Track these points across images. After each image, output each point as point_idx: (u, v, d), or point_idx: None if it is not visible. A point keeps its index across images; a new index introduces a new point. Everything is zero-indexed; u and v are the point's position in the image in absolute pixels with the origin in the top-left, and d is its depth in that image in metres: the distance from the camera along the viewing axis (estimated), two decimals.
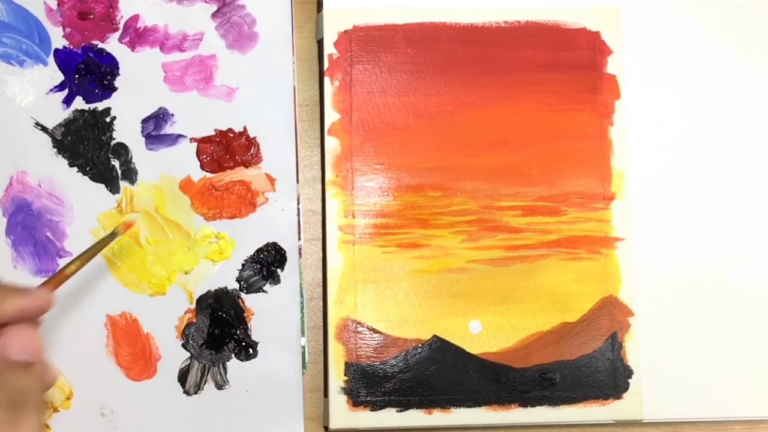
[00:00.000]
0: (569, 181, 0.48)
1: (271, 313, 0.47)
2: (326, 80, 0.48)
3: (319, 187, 0.49)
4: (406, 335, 0.47)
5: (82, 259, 0.41)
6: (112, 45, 0.49)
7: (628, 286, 0.48)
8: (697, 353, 0.47)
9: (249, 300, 0.47)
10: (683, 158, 0.49)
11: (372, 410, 0.46)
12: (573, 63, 0.49)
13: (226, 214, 0.48)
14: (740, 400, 0.47)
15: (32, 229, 0.47)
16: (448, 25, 0.49)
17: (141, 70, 0.48)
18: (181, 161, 0.48)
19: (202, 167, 0.48)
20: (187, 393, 0.47)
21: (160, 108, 0.48)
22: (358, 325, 0.46)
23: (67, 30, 0.48)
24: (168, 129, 0.48)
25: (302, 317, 0.47)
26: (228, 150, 0.48)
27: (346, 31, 0.48)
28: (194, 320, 0.47)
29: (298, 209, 0.48)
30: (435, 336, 0.47)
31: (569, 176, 0.48)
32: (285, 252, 0.47)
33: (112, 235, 0.44)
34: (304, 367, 0.47)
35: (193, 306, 0.47)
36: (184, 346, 0.47)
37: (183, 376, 0.47)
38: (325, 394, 0.47)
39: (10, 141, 0.48)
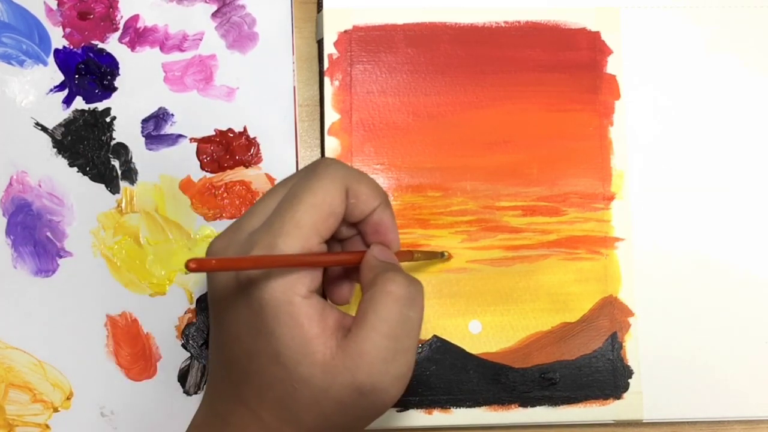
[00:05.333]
0: (569, 181, 0.48)
1: None
2: (326, 80, 0.48)
3: None
4: None
5: (423, 254, 0.46)
6: (112, 45, 0.49)
7: (628, 286, 0.48)
8: (697, 353, 0.47)
9: None
10: (683, 158, 0.49)
11: None
12: (573, 63, 0.49)
13: (226, 214, 0.48)
14: (740, 400, 0.47)
15: (32, 229, 0.47)
16: (448, 25, 0.49)
17: (141, 70, 0.48)
18: (181, 161, 0.48)
19: (202, 167, 0.48)
20: (187, 393, 0.47)
21: (160, 108, 0.48)
22: None
23: (67, 30, 0.48)
24: (168, 129, 0.48)
25: None
26: (228, 150, 0.48)
27: (346, 31, 0.48)
28: (194, 320, 0.47)
29: None
30: (435, 336, 0.47)
31: (569, 176, 0.48)
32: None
33: (442, 255, 0.47)
34: None
35: (193, 306, 0.47)
36: (184, 346, 0.47)
37: (183, 376, 0.47)
38: None
39: (10, 141, 0.48)
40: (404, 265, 0.40)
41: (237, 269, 0.34)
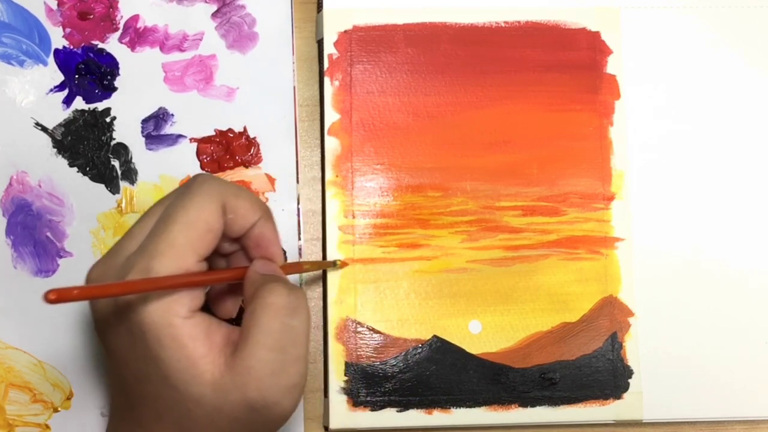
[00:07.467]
0: (569, 181, 0.48)
1: None
2: (326, 80, 0.48)
3: (319, 187, 0.49)
4: (406, 335, 0.47)
5: (312, 265, 0.45)
6: (112, 45, 0.49)
7: (628, 286, 0.48)
8: (697, 353, 0.47)
9: None
10: (683, 158, 0.49)
11: (372, 410, 0.46)
12: (573, 63, 0.49)
13: None
14: (740, 400, 0.47)
15: (32, 229, 0.47)
16: (448, 25, 0.49)
17: (141, 70, 0.48)
18: (181, 161, 0.48)
19: (202, 167, 0.48)
20: None
21: (160, 108, 0.48)
22: (358, 325, 0.46)
23: (67, 30, 0.48)
24: (168, 129, 0.48)
25: None
26: (228, 150, 0.48)
27: (346, 31, 0.48)
28: None
29: (298, 209, 0.48)
30: (435, 336, 0.47)
31: (569, 176, 0.48)
32: (285, 252, 0.47)
33: (334, 264, 0.46)
34: None
35: None
36: None
37: None
38: (325, 394, 0.47)
39: (10, 141, 0.48)
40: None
41: (105, 296, 0.33)
